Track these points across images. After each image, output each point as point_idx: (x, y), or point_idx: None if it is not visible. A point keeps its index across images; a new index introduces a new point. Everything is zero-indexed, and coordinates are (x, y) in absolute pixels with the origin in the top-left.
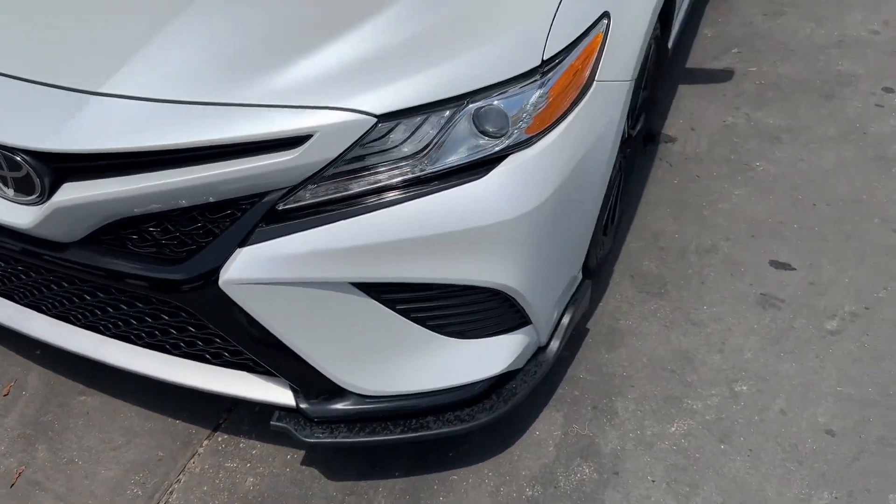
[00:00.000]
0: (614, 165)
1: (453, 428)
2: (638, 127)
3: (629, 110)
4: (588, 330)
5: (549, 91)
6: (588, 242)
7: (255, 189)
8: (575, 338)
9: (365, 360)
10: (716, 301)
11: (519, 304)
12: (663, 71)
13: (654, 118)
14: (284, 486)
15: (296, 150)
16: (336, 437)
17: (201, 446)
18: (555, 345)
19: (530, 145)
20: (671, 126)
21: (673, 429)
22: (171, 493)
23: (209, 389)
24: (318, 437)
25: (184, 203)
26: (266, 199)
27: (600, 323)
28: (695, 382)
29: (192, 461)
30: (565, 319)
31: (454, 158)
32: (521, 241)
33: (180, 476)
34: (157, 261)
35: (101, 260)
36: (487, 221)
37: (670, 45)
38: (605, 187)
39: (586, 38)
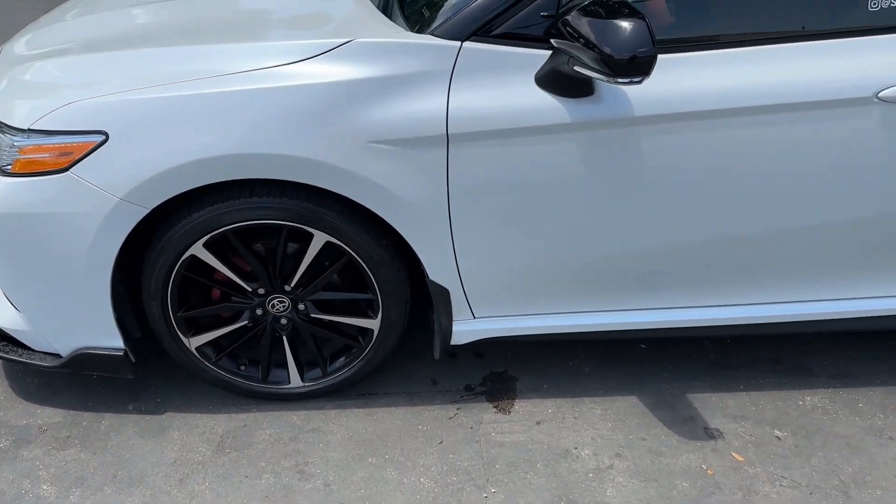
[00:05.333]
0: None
1: None
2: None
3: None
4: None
5: (22, 150)
6: (104, 307)
7: None
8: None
9: None
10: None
11: None
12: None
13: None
14: None
15: None
16: None
17: None
18: (50, 359)
19: (4, 175)
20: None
21: None
22: None
23: None
24: None
25: None
26: None
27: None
28: None
29: None
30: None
31: None
32: None
33: None
34: None
35: None
36: None
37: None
38: (95, 267)
39: (72, 138)
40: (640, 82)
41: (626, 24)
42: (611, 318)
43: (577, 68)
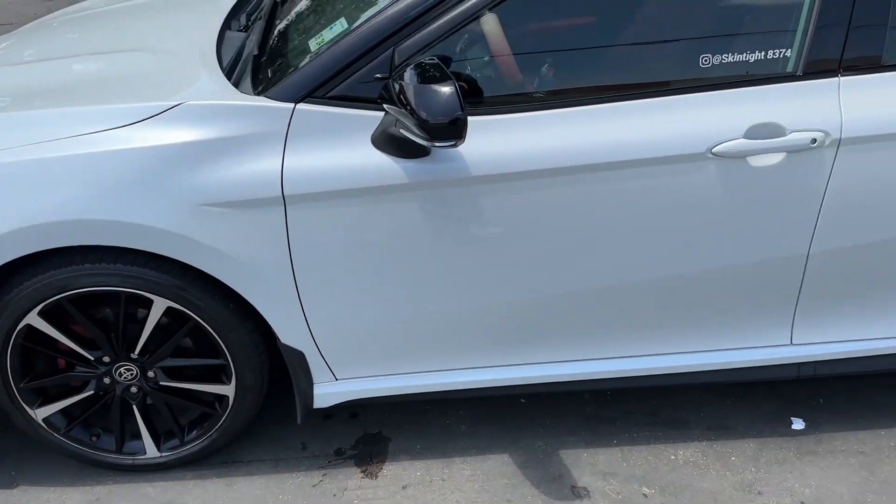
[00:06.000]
0: None
1: None
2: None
3: None
4: None
5: None
6: None
7: None
8: None
9: None
10: None
11: None
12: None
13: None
14: None
15: None
16: None
17: None
18: None
19: None
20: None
21: None
22: None
23: None
24: None
25: None
26: None
27: None
28: None
29: None
30: None
31: None
32: None
33: None
34: None
35: None
36: None
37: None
38: None
39: None
40: (455, 146)
41: (438, 90)
42: (480, 375)
43: (402, 131)
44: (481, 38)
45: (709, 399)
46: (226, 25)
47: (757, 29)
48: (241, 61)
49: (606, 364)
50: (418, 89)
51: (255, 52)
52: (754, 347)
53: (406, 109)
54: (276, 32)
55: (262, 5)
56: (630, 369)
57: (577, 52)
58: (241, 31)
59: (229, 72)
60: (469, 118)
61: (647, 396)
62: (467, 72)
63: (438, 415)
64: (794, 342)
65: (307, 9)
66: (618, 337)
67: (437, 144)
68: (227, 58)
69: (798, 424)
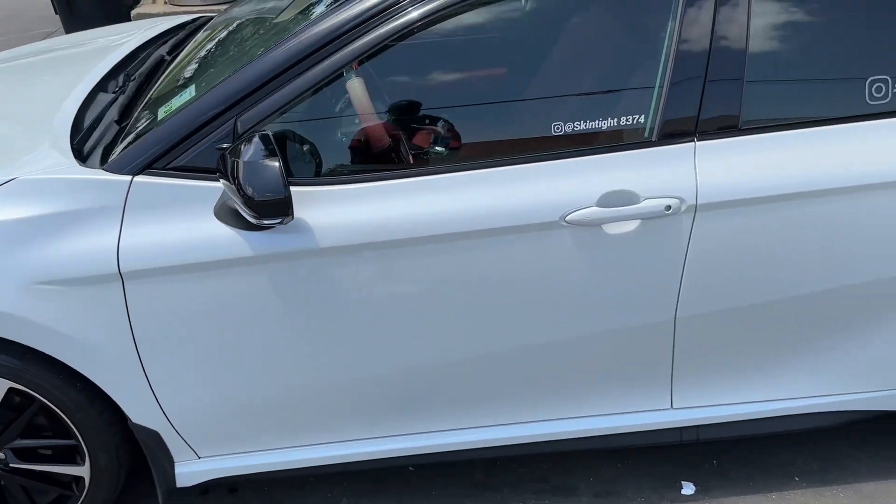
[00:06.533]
0: None
1: None
2: None
3: None
4: None
5: None
6: None
7: None
8: None
9: None
10: None
11: None
12: None
13: None
14: None
15: None
16: None
17: None
18: None
19: None
20: None
21: None
22: None
23: None
24: None
25: None
26: None
27: None
28: None
29: None
30: None
31: None
32: None
33: None
34: None
35: None
36: None
37: None
38: None
39: None
40: (283, 223)
41: (264, 166)
42: (352, 448)
43: (236, 205)
44: (337, 104)
45: (599, 463)
46: (101, 86)
47: (612, 95)
48: (98, 128)
49: (485, 432)
50: (245, 165)
51: (116, 119)
52: (635, 412)
53: (234, 185)
54: (141, 97)
55: (145, 65)
56: (510, 437)
57: (427, 119)
58: (115, 92)
59: (83, 139)
60: (315, 188)
61: (538, 462)
62: (316, 141)
63: (321, 486)
64: (674, 406)
65: (173, 73)
66: (493, 405)
67: (264, 222)
68: (88, 123)
69: (688, 489)
